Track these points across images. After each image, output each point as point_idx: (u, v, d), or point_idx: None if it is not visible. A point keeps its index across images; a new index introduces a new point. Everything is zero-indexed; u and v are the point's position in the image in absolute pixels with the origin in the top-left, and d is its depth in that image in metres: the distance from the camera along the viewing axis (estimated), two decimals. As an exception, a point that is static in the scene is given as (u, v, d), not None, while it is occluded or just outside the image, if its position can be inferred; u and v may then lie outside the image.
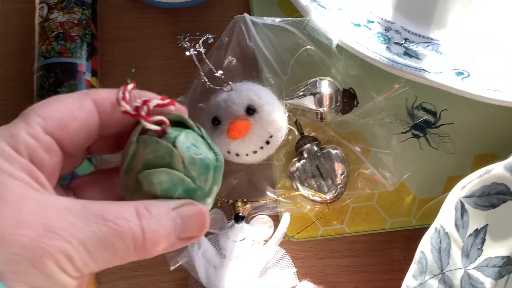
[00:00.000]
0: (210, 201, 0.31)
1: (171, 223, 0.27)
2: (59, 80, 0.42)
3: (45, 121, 0.27)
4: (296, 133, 0.43)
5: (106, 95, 0.30)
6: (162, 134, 0.30)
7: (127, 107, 0.29)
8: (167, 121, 0.30)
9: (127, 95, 0.29)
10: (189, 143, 0.30)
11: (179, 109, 0.31)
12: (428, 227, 0.39)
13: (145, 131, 0.30)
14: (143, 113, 0.29)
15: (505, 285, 0.40)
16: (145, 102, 0.29)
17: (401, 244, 0.42)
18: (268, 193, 0.42)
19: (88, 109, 0.29)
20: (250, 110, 0.39)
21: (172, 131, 0.30)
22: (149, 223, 0.26)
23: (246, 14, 0.42)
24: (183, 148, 0.29)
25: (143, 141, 0.30)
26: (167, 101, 0.30)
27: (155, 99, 0.30)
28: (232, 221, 0.40)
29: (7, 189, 0.24)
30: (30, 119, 0.27)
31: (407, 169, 0.42)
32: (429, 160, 0.44)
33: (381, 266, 0.42)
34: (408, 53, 0.43)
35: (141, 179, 0.30)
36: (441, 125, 0.45)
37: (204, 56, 0.42)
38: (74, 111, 0.29)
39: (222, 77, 0.41)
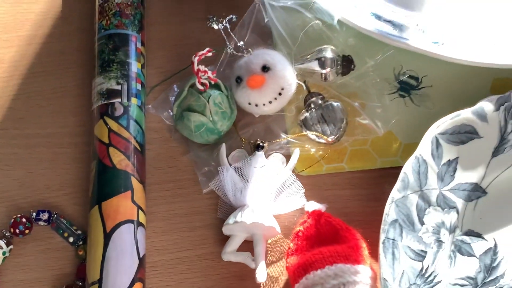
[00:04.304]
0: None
1: None
2: (116, 46, 0.53)
3: None
4: (305, 88, 0.53)
5: None
6: (203, 91, 0.49)
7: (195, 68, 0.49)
8: (207, 84, 0.50)
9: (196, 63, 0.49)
10: (217, 101, 0.50)
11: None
12: (412, 166, 0.48)
13: (193, 85, 0.50)
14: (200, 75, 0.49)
15: (474, 207, 0.50)
16: (204, 72, 0.49)
17: (389, 179, 0.50)
18: (282, 135, 0.52)
19: None
20: (265, 68, 0.50)
21: (209, 91, 0.50)
22: None
23: None
24: (212, 104, 0.49)
25: (191, 92, 0.50)
26: (214, 75, 0.51)
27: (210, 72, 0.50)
28: (255, 152, 0.50)
29: None
30: None
31: (394, 119, 0.53)
32: (412, 114, 0.54)
33: (373, 195, 0.51)
34: (394, 28, 0.53)
35: (184, 115, 0.50)
36: (422, 87, 0.55)
37: (229, 30, 0.53)
38: None
39: (244, 46, 0.53)
